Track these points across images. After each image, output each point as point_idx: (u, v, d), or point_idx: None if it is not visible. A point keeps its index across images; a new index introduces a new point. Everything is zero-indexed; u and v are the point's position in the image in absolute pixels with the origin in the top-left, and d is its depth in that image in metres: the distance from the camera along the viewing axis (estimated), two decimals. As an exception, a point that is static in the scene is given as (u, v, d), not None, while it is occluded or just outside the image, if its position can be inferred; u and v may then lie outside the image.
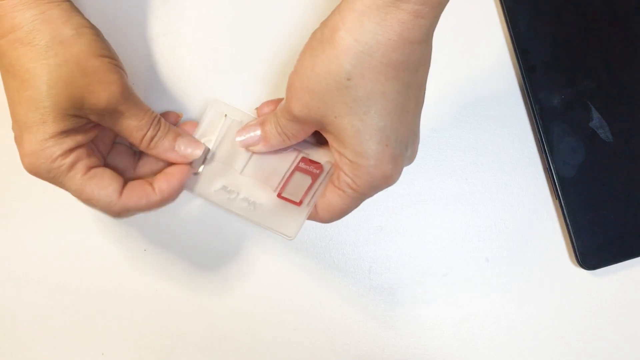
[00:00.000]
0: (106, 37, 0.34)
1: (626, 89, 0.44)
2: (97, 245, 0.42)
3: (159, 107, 0.41)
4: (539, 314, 0.43)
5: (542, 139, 0.42)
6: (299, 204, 0.36)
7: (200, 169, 0.38)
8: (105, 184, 0.33)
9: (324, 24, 0.31)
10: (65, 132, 0.32)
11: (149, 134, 0.34)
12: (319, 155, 0.37)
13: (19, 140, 0.32)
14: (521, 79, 0.43)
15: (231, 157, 0.37)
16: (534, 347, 0.43)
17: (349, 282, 0.43)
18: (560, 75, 0.43)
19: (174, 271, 0.42)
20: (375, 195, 0.43)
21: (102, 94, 0.32)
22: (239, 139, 0.36)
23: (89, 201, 0.33)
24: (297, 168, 0.37)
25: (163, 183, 0.35)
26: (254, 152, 0.37)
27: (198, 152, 0.36)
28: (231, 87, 0.42)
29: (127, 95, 0.33)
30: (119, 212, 0.34)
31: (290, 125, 0.34)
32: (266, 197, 0.37)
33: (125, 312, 0.42)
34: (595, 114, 0.43)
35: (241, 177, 0.37)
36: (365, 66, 0.29)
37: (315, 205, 0.36)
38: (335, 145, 0.33)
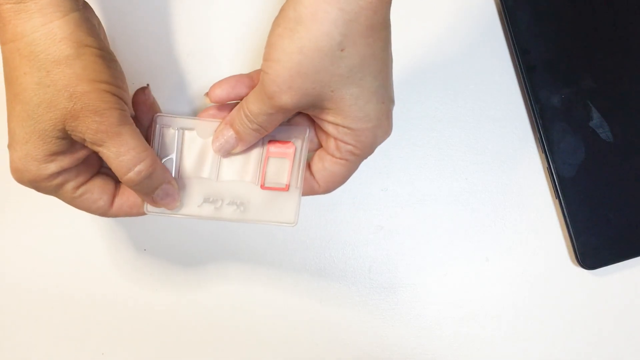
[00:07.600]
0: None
1: (626, 89, 0.44)
2: (97, 245, 0.42)
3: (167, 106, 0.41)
4: (539, 314, 0.43)
5: (542, 139, 0.42)
6: (287, 188, 0.36)
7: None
8: (95, 198, 0.34)
9: (293, 3, 0.30)
10: (50, 156, 0.31)
11: (131, 176, 0.32)
12: (282, 133, 0.36)
13: (9, 152, 0.31)
14: (521, 78, 0.43)
15: (198, 168, 0.36)
16: (534, 347, 0.43)
17: (349, 282, 0.43)
18: (560, 75, 0.43)
19: (174, 271, 0.42)
20: (375, 195, 0.43)
21: (83, 121, 0.30)
22: (215, 146, 0.35)
23: (82, 210, 0.34)
24: (269, 153, 0.36)
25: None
26: (232, 155, 0.36)
27: (171, 207, 0.35)
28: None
29: (115, 127, 0.30)
30: (112, 217, 0.35)
31: (271, 118, 0.33)
32: (251, 193, 0.36)
33: (126, 312, 0.42)
34: (595, 114, 0.43)
35: (218, 183, 0.36)
36: (355, 33, 0.29)
37: (316, 180, 0.35)
38: (331, 119, 0.33)
